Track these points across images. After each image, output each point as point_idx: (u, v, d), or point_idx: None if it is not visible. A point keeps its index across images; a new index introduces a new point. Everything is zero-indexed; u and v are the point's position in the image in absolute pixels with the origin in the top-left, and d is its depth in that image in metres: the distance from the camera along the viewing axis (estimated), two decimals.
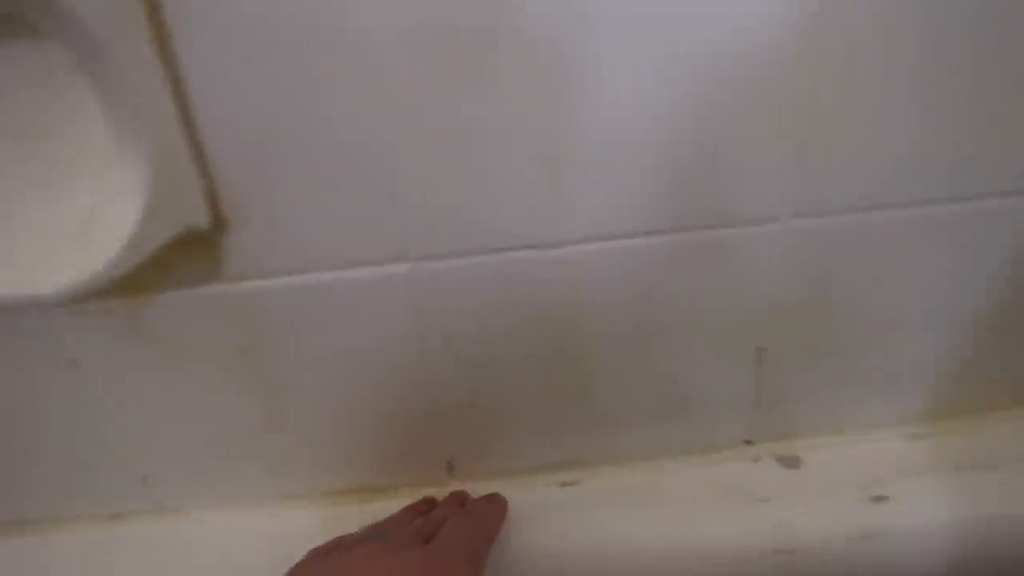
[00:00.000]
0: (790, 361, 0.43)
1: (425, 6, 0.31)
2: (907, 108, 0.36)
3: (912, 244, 0.40)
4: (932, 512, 0.44)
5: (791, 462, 0.46)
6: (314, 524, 0.46)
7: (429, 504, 0.45)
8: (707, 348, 0.42)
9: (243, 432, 0.44)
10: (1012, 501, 0.44)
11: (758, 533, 0.44)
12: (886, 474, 0.45)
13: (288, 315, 0.39)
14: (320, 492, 0.46)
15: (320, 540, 0.45)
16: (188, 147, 0.34)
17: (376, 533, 0.40)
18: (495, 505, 0.43)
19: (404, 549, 0.36)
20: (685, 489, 0.45)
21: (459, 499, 0.45)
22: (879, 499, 0.44)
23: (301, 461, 0.45)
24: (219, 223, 0.36)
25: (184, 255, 0.37)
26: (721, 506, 0.45)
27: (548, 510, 0.45)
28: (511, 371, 0.42)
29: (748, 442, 0.47)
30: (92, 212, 0.33)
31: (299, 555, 0.44)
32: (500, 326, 0.40)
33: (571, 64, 0.33)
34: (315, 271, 0.38)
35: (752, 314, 0.41)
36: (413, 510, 0.44)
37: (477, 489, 0.46)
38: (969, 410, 0.48)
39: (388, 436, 0.44)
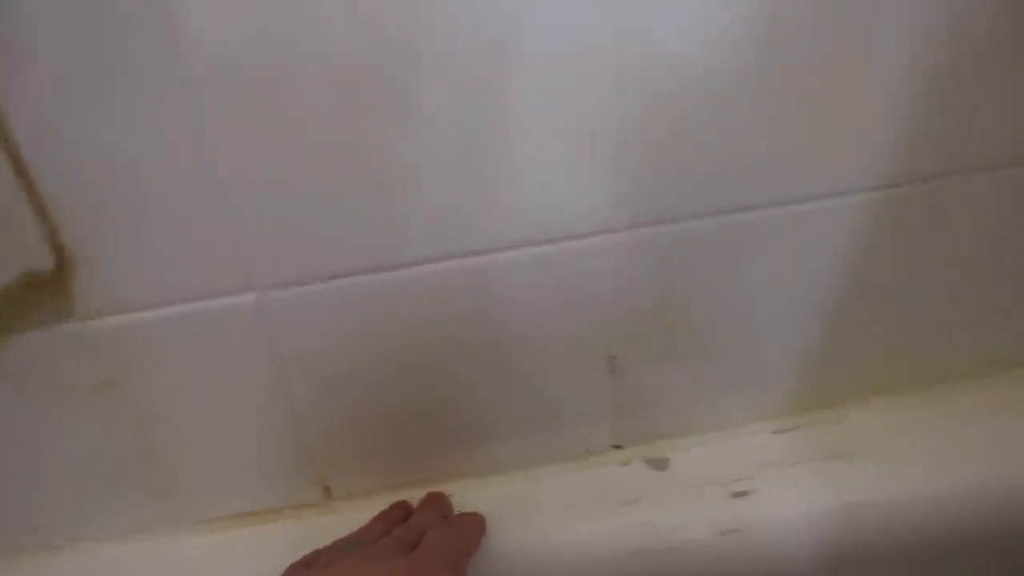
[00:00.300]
0: (644, 367, 0.44)
1: (264, 37, 0.32)
2: (736, 116, 0.37)
3: (752, 246, 0.41)
4: (793, 503, 0.46)
5: (659, 463, 0.48)
6: (202, 551, 0.47)
7: (403, 510, 0.46)
8: (561, 359, 0.43)
9: (120, 464, 0.44)
10: (870, 488, 0.46)
11: (628, 535, 0.45)
12: (750, 469, 0.47)
13: (146, 348, 0.40)
14: (205, 520, 0.47)
15: (206, 567, 0.46)
16: (22, 191, 0.35)
17: (353, 544, 0.40)
18: (475, 520, 0.44)
19: (388, 559, 0.36)
20: (557, 496, 0.47)
21: (436, 502, 0.46)
22: (742, 494, 0.46)
23: (181, 490, 0.46)
24: (64, 264, 0.37)
25: (34, 296, 0.37)
26: (592, 511, 0.46)
27: None
28: (373, 390, 0.43)
29: (617, 447, 0.48)
30: None
31: None
32: (355, 348, 0.41)
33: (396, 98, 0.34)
34: (166, 305, 0.39)
35: (599, 324, 0.42)
36: (386, 518, 0.44)
37: (356, 508, 0.47)
38: (830, 402, 0.50)
39: (261, 461, 0.45)
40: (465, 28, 0.33)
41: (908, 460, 0.47)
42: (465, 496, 0.47)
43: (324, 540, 0.47)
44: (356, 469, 0.47)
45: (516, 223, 0.39)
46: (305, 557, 0.40)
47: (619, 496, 0.46)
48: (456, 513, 0.46)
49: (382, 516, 0.45)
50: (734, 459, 0.47)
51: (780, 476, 0.47)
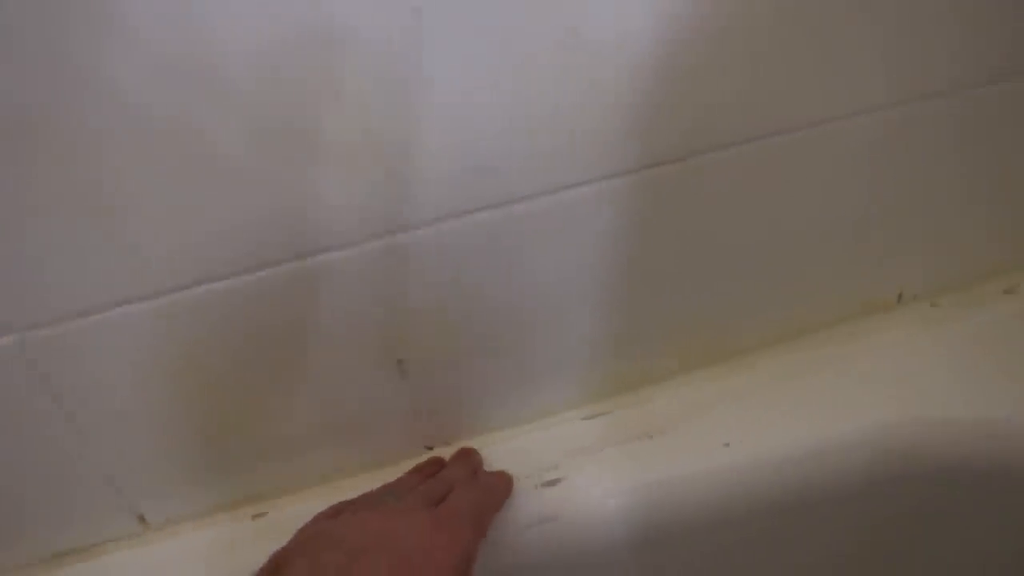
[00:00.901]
0: (434, 367, 0.45)
1: None
2: (483, 108, 0.37)
3: (522, 239, 0.42)
4: (602, 487, 0.47)
5: None
6: None
7: (436, 464, 0.47)
8: (353, 368, 0.44)
9: None
10: (678, 464, 0.47)
11: None
12: (559, 458, 0.48)
13: None
14: (14, 567, 0.47)
15: None
16: None
17: (386, 494, 0.42)
18: (503, 479, 0.45)
19: (413, 512, 0.38)
20: None
21: (467, 457, 0.47)
22: (552, 483, 0.47)
23: None
24: None
25: None
26: None
27: (242, 544, 0.46)
28: (167, 414, 0.43)
29: (429, 447, 0.49)
30: None
31: None
32: (137, 375, 0.41)
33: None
34: None
35: (380, 330, 0.43)
36: (419, 472, 0.46)
37: (177, 533, 0.47)
38: (638, 383, 0.50)
39: (66, 498, 0.45)
40: None
41: (715, 432, 0.48)
42: (277, 514, 0.47)
43: (147, 569, 0.47)
44: (168, 494, 0.47)
45: (287, 236, 0.39)
46: (333, 507, 0.41)
47: None
48: (486, 470, 0.47)
49: (415, 469, 0.46)
50: (543, 449, 0.48)
51: (589, 462, 0.48)
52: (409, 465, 0.48)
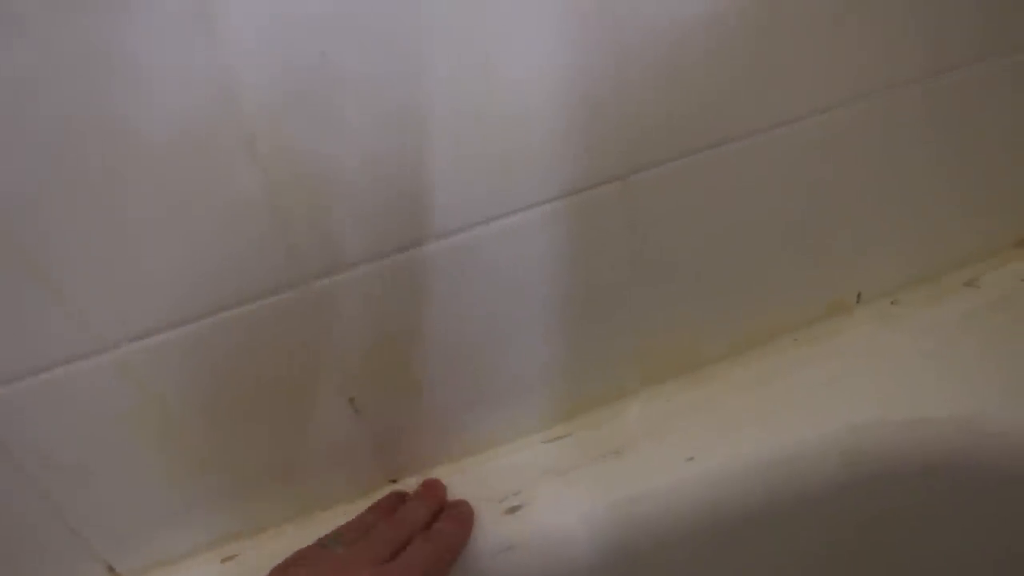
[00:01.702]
0: (385, 402, 0.45)
1: None
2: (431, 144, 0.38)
3: (464, 269, 0.42)
4: (567, 509, 0.46)
5: None
6: None
7: (398, 500, 0.46)
8: (307, 407, 0.44)
9: None
10: (642, 480, 0.47)
11: None
12: (522, 483, 0.47)
13: None
14: None
15: None
16: None
17: (335, 542, 0.41)
18: (462, 524, 0.44)
19: (359, 568, 0.37)
20: None
21: (430, 493, 0.46)
22: (515, 509, 0.47)
23: None
24: None
25: None
26: None
27: None
28: (131, 464, 0.43)
29: (393, 480, 0.49)
30: None
31: None
32: (94, 431, 0.41)
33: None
34: None
35: (327, 368, 0.43)
36: (376, 509, 0.45)
37: None
38: (599, 402, 0.50)
39: (32, 553, 0.45)
40: None
41: (679, 446, 0.48)
42: (248, 555, 0.47)
43: None
44: (136, 542, 0.47)
45: (232, 282, 0.39)
46: (287, 559, 0.40)
47: None
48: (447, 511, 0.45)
49: (372, 507, 0.45)
50: (506, 475, 0.48)
51: (553, 484, 0.47)
52: (378, 497, 0.48)
